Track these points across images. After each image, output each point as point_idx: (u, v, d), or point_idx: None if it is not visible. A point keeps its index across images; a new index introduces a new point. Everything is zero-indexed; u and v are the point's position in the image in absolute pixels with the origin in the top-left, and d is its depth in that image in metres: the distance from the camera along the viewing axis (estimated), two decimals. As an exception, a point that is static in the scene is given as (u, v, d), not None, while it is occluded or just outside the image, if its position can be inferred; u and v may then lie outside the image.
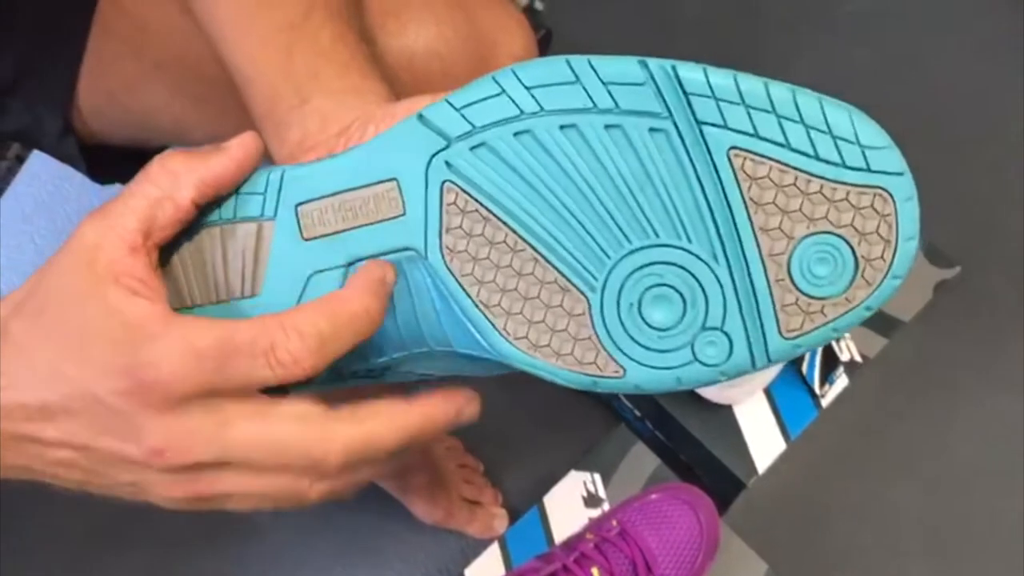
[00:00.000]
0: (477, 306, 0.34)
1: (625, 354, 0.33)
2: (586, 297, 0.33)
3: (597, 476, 0.84)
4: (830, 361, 0.88)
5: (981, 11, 1.17)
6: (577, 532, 0.78)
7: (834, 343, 0.90)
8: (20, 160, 0.82)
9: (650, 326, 0.33)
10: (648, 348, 0.33)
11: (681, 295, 0.33)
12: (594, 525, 0.77)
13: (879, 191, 0.32)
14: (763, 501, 0.85)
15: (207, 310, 0.36)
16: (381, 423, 0.34)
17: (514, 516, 0.87)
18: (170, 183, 0.34)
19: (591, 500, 0.84)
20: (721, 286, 0.33)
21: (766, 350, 0.33)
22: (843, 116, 0.33)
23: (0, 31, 0.59)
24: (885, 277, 0.32)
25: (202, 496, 0.34)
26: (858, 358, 0.90)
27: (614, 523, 0.75)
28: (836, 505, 0.89)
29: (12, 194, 0.98)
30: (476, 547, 0.85)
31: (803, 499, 0.88)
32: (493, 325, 0.34)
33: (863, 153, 0.32)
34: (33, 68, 0.60)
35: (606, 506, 0.83)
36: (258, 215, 0.35)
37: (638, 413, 0.89)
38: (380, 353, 0.36)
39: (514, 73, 0.33)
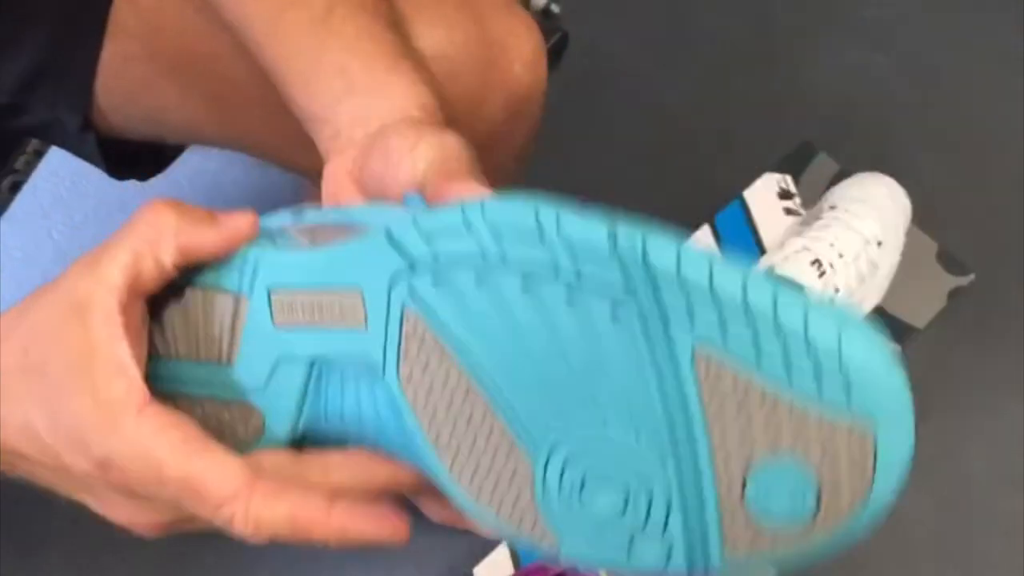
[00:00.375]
0: (428, 440, 0.32)
1: (561, 532, 0.31)
2: (531, 464, 0.31)
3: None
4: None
5: (1002, 21, 1.17)
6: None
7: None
8: (39, 155, 0.83)
9: (589, 510, 0.31)
10: (583, 533, 0.31)
11: (625, 491, 0.30)
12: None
13: (857, 431, 0.28)
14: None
15: (188, 365, 0.36)
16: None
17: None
18: (155, 240, 0.34)
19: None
20: (668, 493, 0.30)
21: (705, 567, 0.30)
22: (830, 333, 0.28)
23: (18, 30, 0.60)
24: (846, 521, 0.29)
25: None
26: (871, 364, 0.90)
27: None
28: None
29: (31, 189, 0.99)
30: (485, 546, 0.85)
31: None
32: (440, 462, 0.32)
33: (846, 385, 0.28)
34: (51, 67, 0.61)
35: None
36: (235, 289, 0.35)
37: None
38: (331, 441, 0.36)
39: (482, 209, 0.31)
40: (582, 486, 0.31)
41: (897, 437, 0.28)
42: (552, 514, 0.31)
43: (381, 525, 0.34)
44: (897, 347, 0.91)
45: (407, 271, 0.32)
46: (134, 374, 0.33)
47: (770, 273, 0.28)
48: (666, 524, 0.30)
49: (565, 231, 0.30)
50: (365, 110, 0.41)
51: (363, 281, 0.33)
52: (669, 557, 0.30)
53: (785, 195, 1.00)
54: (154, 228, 0.34)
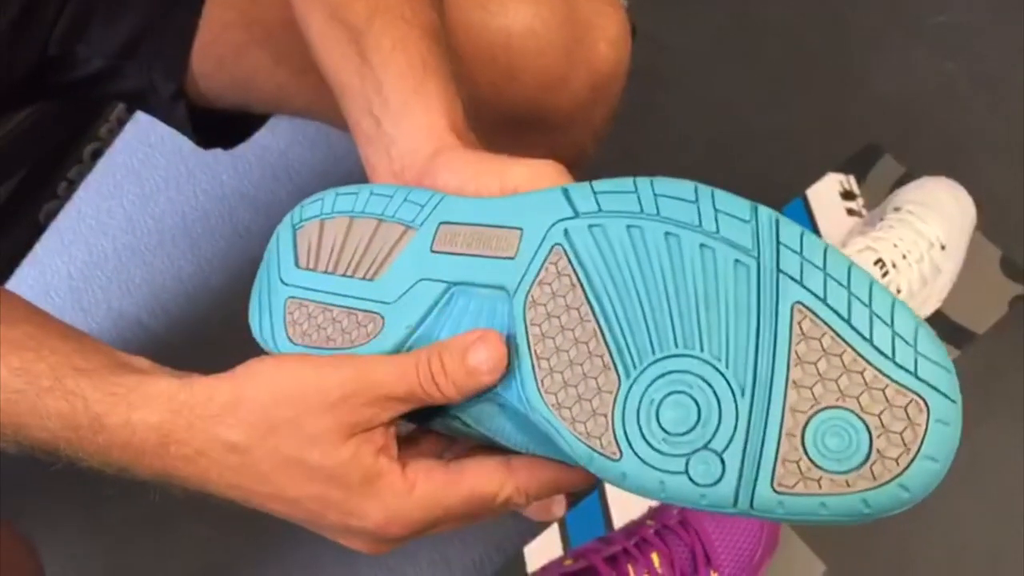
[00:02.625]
0: (530, 354, 0.37)
1: (628, 441, 0.34)
2: (620, 380, 0.35)
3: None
4: (900, 369, 0.87)
5: (1074, 29, 1.15)
6: (638, 518, 0.79)
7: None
8: (121, 124, 0.85)
9: (660, 425, 0.34)
10: (649, 444, 0.34)
11: (699, 410, 0.34)
12: (655, 512, 0.78)
13: (917, 399, 0.32)
14: (824, 503, 0.85)
15: (333, 278, 0.42)
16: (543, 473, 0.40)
17: (573, 502, 0.88)
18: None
19: (652, 489, 0.84)
20: (737, 417, 0.34)
21: (752, 493, 0.33)
22: (909, 322, 0.33)
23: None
24: (891, 481, 0.32)
25: None
26: (928, 368, 0.90)
27: (675, 511, 0.75)
28: (899, 514, 0.89)
29: (106, 159, 1.01)
30: (534, 528, 0.86)
31: (864, 504, 0.88)
32: (535, 375, 0.36)
33: (915, 358, 0.33)
34: (152, 32, 0.63)
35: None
36: (409, 221, 0.41)
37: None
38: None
39: (650, 182, 0.37)
40: (660, 403, 0.35)
41: (948, 417, 0.32)
42: (624, 427, 0.35)
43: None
44: (956, 351, 0.91)
45: (570, 218, 0.38)
46: (393, 450, 0.40)
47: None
48: (728, 445, 0.33)
49: (716, 200, 0.36)
50: (399, 145, 0.45)
51: (527, 222, 0.39)
52: (722, 476, 0.33)
53: (848, 195, 0.99)
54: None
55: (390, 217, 0.42)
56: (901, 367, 0.33)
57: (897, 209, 0.90)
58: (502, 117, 0.64)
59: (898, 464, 0.32)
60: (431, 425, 0.41)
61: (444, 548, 0.90)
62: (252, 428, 0.38)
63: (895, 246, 0.86)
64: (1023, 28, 1.16)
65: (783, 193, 1.00)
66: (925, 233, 0.87)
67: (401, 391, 0.38)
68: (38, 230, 0.83)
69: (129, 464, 0.40)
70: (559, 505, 0.89)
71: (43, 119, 0.71)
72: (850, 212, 0.98)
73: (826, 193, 0.99)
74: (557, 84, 0.64)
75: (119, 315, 1.06)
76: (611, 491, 0.85)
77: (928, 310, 0.90)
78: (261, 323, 0.43)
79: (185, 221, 1.11)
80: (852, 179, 1.00)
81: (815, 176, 1.01)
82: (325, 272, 0.42)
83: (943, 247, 0.89)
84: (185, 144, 0.71)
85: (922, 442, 0.32)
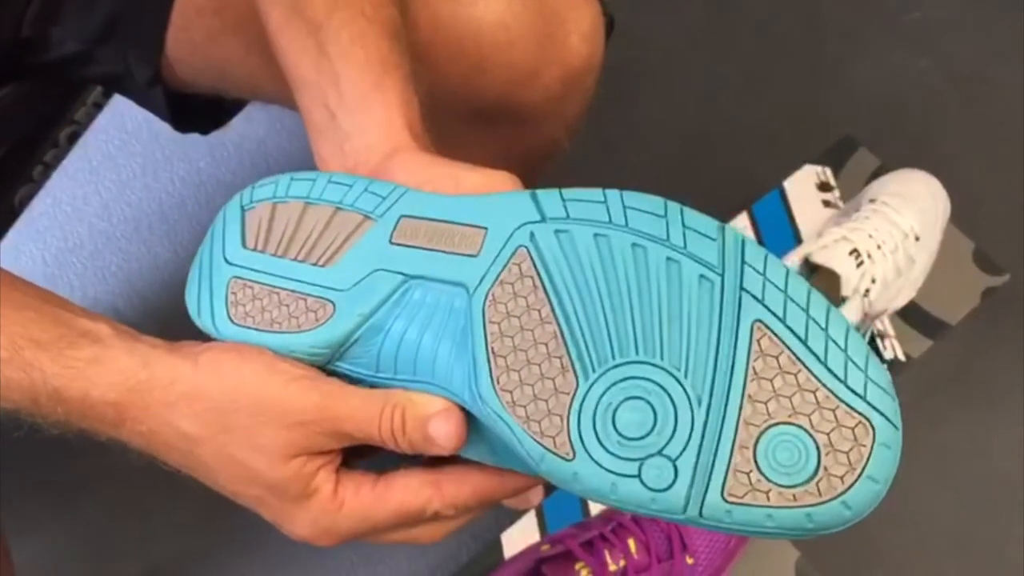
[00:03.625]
0: (487, 351, 0.37)
1: (583, 442, 0.35)
2: (578, 382, 0.36)
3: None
4: (874, 358, 0.88)
5: (1047, 25, 1.17)
6: (614, 505, 0.79)
7: (879, 340, 0.91)
8: (98, 107, 0.84)
9: (616, 429, 0.35)
10: (603, 446, 0.35)
11: (655, 416, 0.35)
12: (632, 499, 0.78)
13: (864, 422, 0.34)
14: (798, 490, 0.86)
15: (284, 262, 0.42)
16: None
17: (550, 490, 0.89)
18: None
19: (629, 476, 0.85)
20: (692, 425, 0.34)
21: (702, 501, 0.34)
22: (861, 349, 0.35)
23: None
24: (835, 498, 0.33)
25: None
26: (902, 357, 0.91)
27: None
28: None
29: (82, 144, 1.01)
30: (511, 515, 0.87)
31: (838, 492, 0.89)
32: (490, 372, 0.36)
33: (866, 383, 0.34)
34: (127, 17, 0.63)
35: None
36: (368, 211, 0.41)
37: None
38: (393, 371, 0.40)
39: (620, 194, 0.38)
40: (618, 407, 0.35)
41: (890, 442, 0.34)
42: (579, 427, 0.35)
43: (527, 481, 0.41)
44: (929, 341, 0.92)
45: (537, 222, 0.38)
46: (332, 469, 0.40)
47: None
48: (682, 452, 0.34)
49: (685, 216, 0.37)
50: (356, 140, 0.44)
51: (492, 223, 0.39)
52: (674, 481, 0.34)
53: (824, 187, 1.00)
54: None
55: (348, 206, 0.41)
56: (852, 390, 0.34)
57: (872, 200, 0.91)
58: (473, 110, 0.64)
59: (843, 482, 0.33)
60: None
61: (421, 536, 0.91)
62: (206, 424, 0.39)
63: (870, 236, 0.87)
64: (997, 24, 1.18)
65: (760, 185, 1.01)
66: (900, 224, 0.88)
67: (361, 434, 0.39)
68: (12, 215, 0.82)
69: (88, 430, 0.41)
70: (536, 493, 0.90)
71: (18, 102, 0.70)
72: (826, 204, 0.99)
73: (803, 185, 1.00)
74: (528, 77, 0.64)
75: (94, 302, 1.06)
76: (588, 479, 0.85)
77: (902, 300, 0.92)
78: (200, 302, 0.43)
79: (162, 208, 1.10)
80: (828, 171, 1.01)
81: (792, 168, 1.02)
82: (275, 255, 0.42)
83: (917, 238, 0.90)
84: (162, 131, 0.70)
85: (866, 463, 0.33)
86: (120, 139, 1.14)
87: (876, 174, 0.98)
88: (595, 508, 0.83)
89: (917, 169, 0.95)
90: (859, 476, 0.33)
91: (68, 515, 0.94)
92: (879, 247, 0.86)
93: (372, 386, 0.40)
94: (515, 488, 0.40)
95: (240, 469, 0.39)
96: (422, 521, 0.40)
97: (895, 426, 0.34)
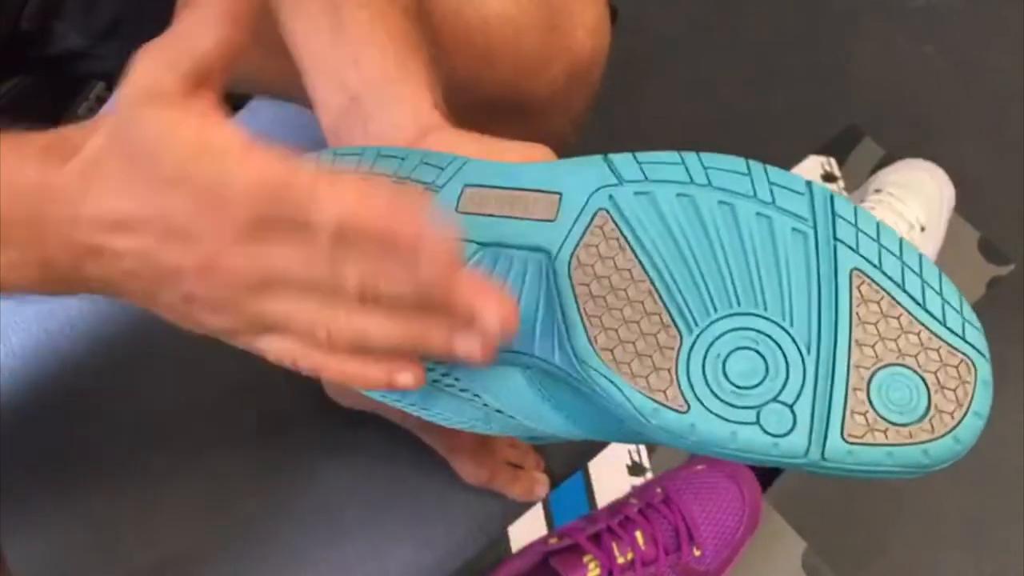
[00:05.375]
0: (579, 312, 0.37)
1: (695, 393, 0.35)
2: (681, 336, 0.36)
3: (642, 446, 0.86)
4: (879, 349, 0.88)
5: (1051, 13, 1.16)
6: (621, 497, 0.79)
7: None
8: (101, 102, 0.84)
9: (728, 379, 0.35)
10: (717, 396, 0.35)
11: (766, 364, 0.35)
12: (639, 491, 0.78)
13: (967, 360, 0.35)
14: (805, 482, 0.86)
15: None
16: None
17: (555, 483, 0.89)
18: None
19: (635, 468, 0.85)
20: (804, 372, 0.35)
21: (823, 443, 0.34)
22: (954, 291, 0.36)
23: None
24: (947, 434, 0.34)
25: (244, 320, 0.35)
26: (907, 348, 0.91)
27: (659, 490, 0.76)
28: (876, 492, 0.90)
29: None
30: (518, 508, 0.87)
31: (844, 483, 0.89)
32: (586, 332, 0.36)
33: (963, 323, 0.35)
34: (131, 13, 0.62)
35: (649, 475, 0.84)
36: (429, 182, 0.40)
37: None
38: None
39: (698, 155, 0.38)
40: (726, 358, 0.35)
41: (988, 378, 0.35)
42: (690, 380, 0.35)
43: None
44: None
45: (614, 185, 0.38)
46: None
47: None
48: (797, 397, 0.35)
49: (770, 173, 0.37)
50: (379, 121, 0.43)
51: (567, 186, 0.38)
52: (793, 426, 0.34)
53: (829, 178, 1.00)
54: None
55: (404, 178, 0.40)
56: (951, 331, 0.35)
57: (877, 191, 0.91)
58: (478, 103, 0.64)
59: (952, 418, 0.34)
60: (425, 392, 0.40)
61: (428, 529, 0.91)
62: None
63: (875, 227, 0.86)
64: (1000, 11, 1.17)
65: (764, 175, 1.01)
66: (905, 215, 0.88)
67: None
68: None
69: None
70: (542, 486, 0.90)
71: (23, 96, 0.70)
72: (831, 194, 0.99)
73: (807, 175, 1.00)
74: (534, 70, 0.64)
75: (95, 299, 1.05)
76: (594, 471, 0.86)
77: (907, 291, 0.91)
78: None
79: (164, 203, 1.10)
80: (833, 161, 1.01)
81: (796, 159, 1.01)
82: None
83: (923, 229, 0.89)
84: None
85: (971, 399, 0.34)
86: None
87: (881, 164, 0.98)
88: (602, 500, 0.83)
89: (922, 159, 0.95)
90: (966, 412, 0.34)
91: (73, 508, 0.94)
92: (885, 238, 0.86)
93: (435, 380, 0.40)
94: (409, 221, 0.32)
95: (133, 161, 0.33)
96: (289, 225, 0.32)
97: (990, 362, 0.35)
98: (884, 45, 1.15)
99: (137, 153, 0.34)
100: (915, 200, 0.90)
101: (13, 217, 0.35)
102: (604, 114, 0.77)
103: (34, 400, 0.97)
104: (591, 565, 0.71)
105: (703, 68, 1.15)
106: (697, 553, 0.74)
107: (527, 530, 0.83)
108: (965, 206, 0.96)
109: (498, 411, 0.40)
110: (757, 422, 0.34)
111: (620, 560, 0.71)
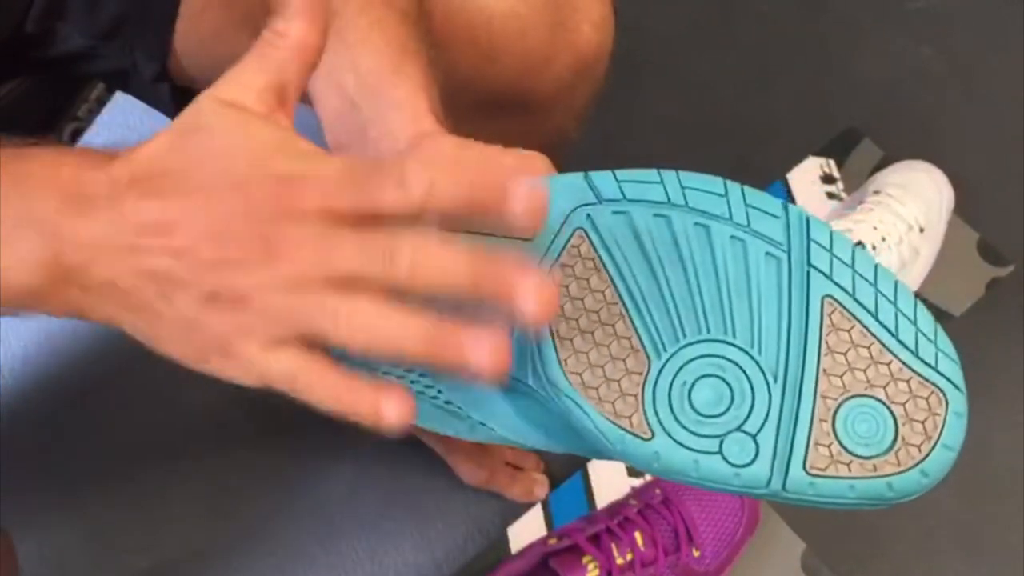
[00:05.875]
0: (552, 334, 0.37)
1: (660, 421, 0.35)
2: (650, 361, 0.36)
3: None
4: (878, 350, 0.88)
5: (1050, 14, 1.17)
6: (620, 498, 0.79)
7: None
8: (100, 103, 0.84)
9: (692, 407, 0.35)
10: (682, 425, 0.35)
11: (731, 392, 0.35)
12: (638, 492, 0.78)
13: (937, 392, 0.34)
14: (804, 482, 0.86)
15: None
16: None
17: (555, 484, 0.89)
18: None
19: (634, 469, 0.85)
20: (770, 401, 0.35)
21: (785, 475, 0.34)
22: (929, 320, 0.35)
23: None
24: (913, 467, 0.34)
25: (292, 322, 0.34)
26: (906, 349, 0.91)
27: (658, 491, 0.76)
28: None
29: (83, 141, 1.00)
30: (517, 509, 0.87)
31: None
32: (557, 355, 0.36)
33: (936, 353, 0.35)
34: (134, 13, 0.62)
35: (649, 476, 0.85)
36: None
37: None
38: None
39: (676, 174, 0.38)
40: (692, 386, 0.35)
41: (961, 410, 0.35)
42: (655, 407, 0.35)
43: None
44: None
45: (592, 204, 0.38)
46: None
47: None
48: (761, 427, 0.34)
49: (746, 195, 0.37)
50: (373, 113, 0.44)
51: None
52: (756, 456, 0.34)
53: (828, 179, 1.00)
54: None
55: None
56: (924, 361, 0.35)
57: (877, 192, 0.91)
58: (483, 99, 0.64)
59: (920, 451, 0.34)
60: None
61: (427, 529, 0.91)
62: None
63: (875, 229, 0.87)
64: (999, 13, 1.17)
65: (763, 177, 1.01)
66: (904, 216, 0.88)
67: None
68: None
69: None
70: (541, 486, 0.90)
71: (24, 98, 0.70)
72: (830, 196, 0.99)
73: (806, 177, 1.00)
74: (540, 66, 0.64)
75: (98, 298, 1.05)
76: (594, 472, 0.86)
77: (906, 292, 0.92)
78: None
79: (164, 203, 1.10)
80: (832, 163, 1.01)
81: (795, 160, 1.02)
82: None
83: (922, 230, 0.90)
84: (165, 126, 0.70)
85: (941, 431, 0.34)
86: (122, 135, 1.13)
87: (880, 165, 0.98)
88: (601, 501, 0.83)
89: (921, 160, 0.95)
90: (935, 444, 0.34)
91: (73, 510, 0.94)
92: (884, 239, 0.86)
93: (420, 391, 0.40)
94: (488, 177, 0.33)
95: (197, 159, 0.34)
96: (378, 187, 0.32)
97: (963, 394, 0.35)
98: (883, 47, 1.15)
99: (206, 152, 0.34)
100: (914, 201, 0.90)
101: (23, 214, 0.35)
102: (602, 114, 0.77)
103: (34, 400, 0.98)
104: (590, 566, 0.71)
105: (703, 68, 1.15)
106: (696, 554, 0.74)
107: (526, 531, 0.84)
108: (964, 207, 0.96)
109: (481, 424, 0.40)
110: (719, 451, 0.34)
111: (619, 561, 0.71)
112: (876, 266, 0.36)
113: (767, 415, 0.34)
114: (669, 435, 0.35)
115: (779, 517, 0.82)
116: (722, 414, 0.35)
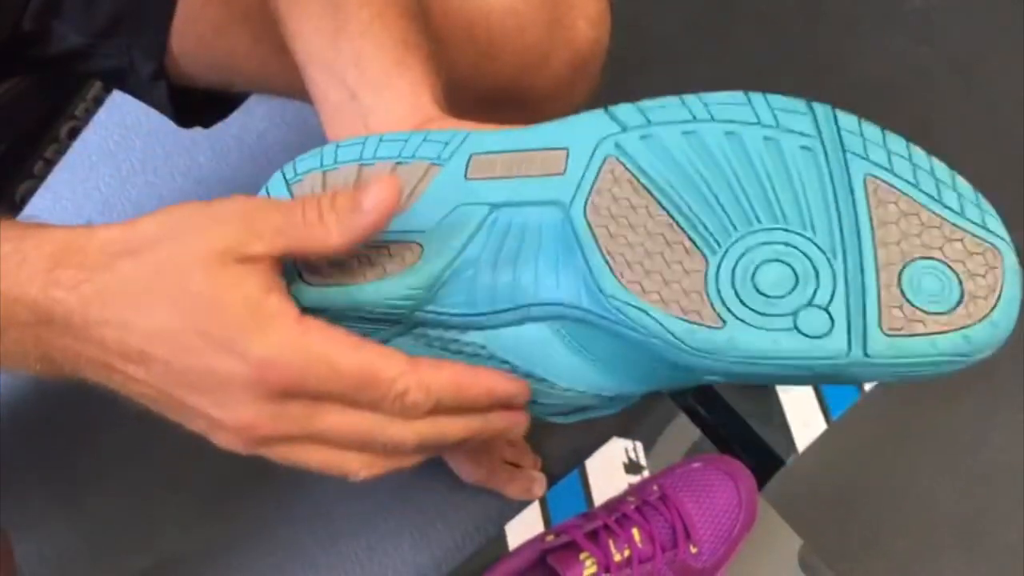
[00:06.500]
0: (601, 252, 0.37)
1: (728, 308, 0.36)
2: (706, 258, 0.36)
3: (639, 444, 0.86)
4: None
5: (1047, 13, 1.17)
6: (618, 495, 0.79)
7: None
8: (98, 102, 0.84)
9: (759, 291, 0.36)
10: (751, 308, 0.36)
11: (795, 272, 0.36)
12: (636, 488, 0.78)
13: (991, 248, 0.36)
14: (801, 479, 0.86)
15: None
16: (453, 420, 0.38)
17: (553, 482, 0.89)
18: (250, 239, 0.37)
19: (632, 467, 0.85)
20: (834, 276, 0.36)
21: (864, 340, 0.35)
22: (968, 187, 0.37)
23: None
24: (984, 318, 0.35)
25: (270, 454, 0.38)
26: (904, 346, 0.91)
27: (655, 488, 0.76)
28: (872, 489, 0.90)
29: (81, 140, 1.01)
30: (515, 507, 0.87)
31: (840, 480, 0.89)
32: (611, 269, 0.37)
33: (982, 214, 0.36)
34: (131, 12, 0.63)
35: (646, 474, 0.85)
36: (433, 158, 0.41)
37: (682, 387, 0.90)
38: (492, 303, 0.40)
39: (697, 95, 0.39)
40: (755, 272, 0.36)
41: (1014, 262, 0.36)
42: (721, 298, 0.36)
43: (511, 383, 0.39)
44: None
45: (618, 133, 0.38)
46: (285, 295, 0.36)
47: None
48: (831, 299, 0.35)
49: (770, 99, 0.38)
50: (379, 116, 0.44)
51: (572, 142, 0.39)
52: (832, 326, 0.35)
53: (825, 177, 1.00)
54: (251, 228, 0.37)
55: (409, 158, 0.41)
56: (972, 221, 0.36)
57: (873, 190, 0.91)
58: (481, 96, 0.64)
59: (987, 302, 0.35)
60: (426, 342, 0.41)
61: (425, 527, 0.91)
62: (136, 242, 0.37)
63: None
64: (998, 13, 1.17)
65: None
66: (901, 213, 0.88)
67: (283, 216, 0.37)
68: (14, 211, 0.82)
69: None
70: (539, 484, 0.90)
71: (20, 97, 0.70)
72: (827, 193, 0.99)
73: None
74: (537, 63, 0.64)
75: (97, 298, 1.05)
76: (591, 469, 0.86)
77: (903, 289, 0.92)
78: None
79: (163, 203, 1.08)
80: (829, 161, 1.01)
81: (793, 158, 1.01)
82: None
83: (918, 227, 0.90)
84: (162, 126, 0.70)
85: (1002, 283, 0.35)
86: (119, 134, 1.13)
87: (877, 163, 0.98)
88: (599, 498, 0.83)
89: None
90: (999, 296, 0.35)
91: (72, 509, 0.94)
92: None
93: (474, 354, 0.40)
94: (489, 386, 0.38)
95: (174, 289, 0.35)
96: (381, 397, 0.36)
97: (1013, 247, 0.36)
98: (881, 47, 1.16)
99: (186, 301, 0.35)
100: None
101: (11, 319, 0.36)
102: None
103: (34, 400, 0.98)
104: (588, 562, 0.71)
105: (702, 68, 1.15)
106: (694, 550, 0.74)
107: (524, 528, 0.84)
108: (962, 205, 0.96)
109: (527, 375, 0.40)
110: (795, 327, 0.35)
111: (617, 557, 0.71)
112: (908, 143, 0.37)
113: (834, 289, 0.35)
114: (740, 319, 0.35)
115: (776, 513, 0.82)
116: (789, 293, 0.35)
